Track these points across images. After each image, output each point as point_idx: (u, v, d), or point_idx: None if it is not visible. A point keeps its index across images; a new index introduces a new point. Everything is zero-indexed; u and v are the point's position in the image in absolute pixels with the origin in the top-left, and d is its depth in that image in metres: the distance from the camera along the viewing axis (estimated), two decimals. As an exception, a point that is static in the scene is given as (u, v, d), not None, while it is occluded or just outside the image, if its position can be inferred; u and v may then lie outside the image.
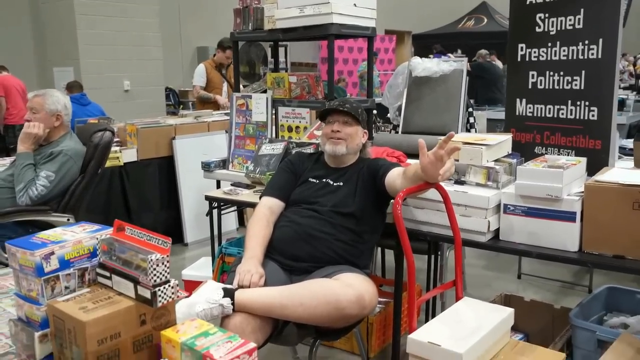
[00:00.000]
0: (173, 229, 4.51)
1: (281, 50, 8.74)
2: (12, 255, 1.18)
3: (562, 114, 2.77)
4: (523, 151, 2.63)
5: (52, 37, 7.25)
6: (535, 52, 2.93)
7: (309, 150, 2.87)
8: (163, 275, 1.12)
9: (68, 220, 2.80)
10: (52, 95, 2.93)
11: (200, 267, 3.40)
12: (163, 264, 1.11)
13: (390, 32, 12.80)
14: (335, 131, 2.25)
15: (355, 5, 2.97)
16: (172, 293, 1.14)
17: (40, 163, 2.81)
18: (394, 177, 2.07)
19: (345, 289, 1.84)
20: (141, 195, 4.35)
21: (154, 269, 1.10)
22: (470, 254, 3.77)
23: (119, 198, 4.22)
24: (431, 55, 3.48)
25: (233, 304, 1.78)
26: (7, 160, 3.61)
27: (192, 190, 4.48)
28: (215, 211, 3.10)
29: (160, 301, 1.11)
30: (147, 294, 1.11)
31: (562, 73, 2.74)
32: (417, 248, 2.56)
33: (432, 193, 2.06)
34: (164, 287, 1.12)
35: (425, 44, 12.07)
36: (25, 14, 7.43)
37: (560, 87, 2.76)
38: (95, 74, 6.98)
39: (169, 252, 1.13)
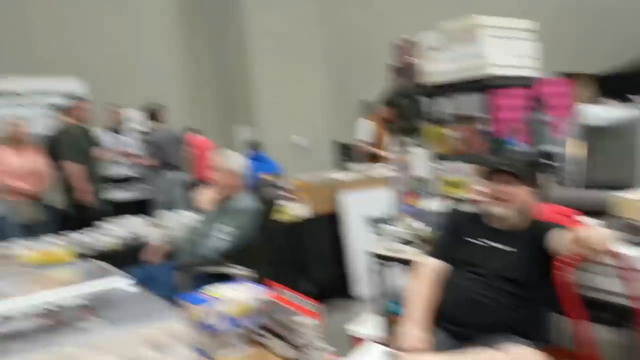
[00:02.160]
0: (342, 283, 4.63)
1: (445, 102, 8.66)
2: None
3: None
4: None
5: (235, 100, 8.13)
6: None
7: (470, 206, 2.81)
8: (312, 337, 1.19)
9: (248, 273, 3.03)
10: (231, 156, 3.29)
11: (366, 324, 3.44)
12: (311, 327, 1.19)
13: (568, 75, 11.93)
14: (496, 191, 2.18)
15: (512, 55, 2.90)
16: (321, 356, 1.20)
17: (222, 219, 3.13)
18: (560, 242, 1.93)
19: None
20: (311, 249, 4.55)
21: (303, 332, 1.18)
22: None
23: (291, 252, 4.45)
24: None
25: None
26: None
27: (360, 245, 4.56)
28: (381, 267, 3.14)
29: (308, 362, 1.18)
30: (295, 354, 1.19)
31: None
32: (610, 319, 2.28)
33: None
34: (312, 350, 1.19)
35: (614, 87, 10.93)
36: (212, 87, 8.43)
37: None
38: (272, 132, 7.61)
39: (318, 316, 1.21)
